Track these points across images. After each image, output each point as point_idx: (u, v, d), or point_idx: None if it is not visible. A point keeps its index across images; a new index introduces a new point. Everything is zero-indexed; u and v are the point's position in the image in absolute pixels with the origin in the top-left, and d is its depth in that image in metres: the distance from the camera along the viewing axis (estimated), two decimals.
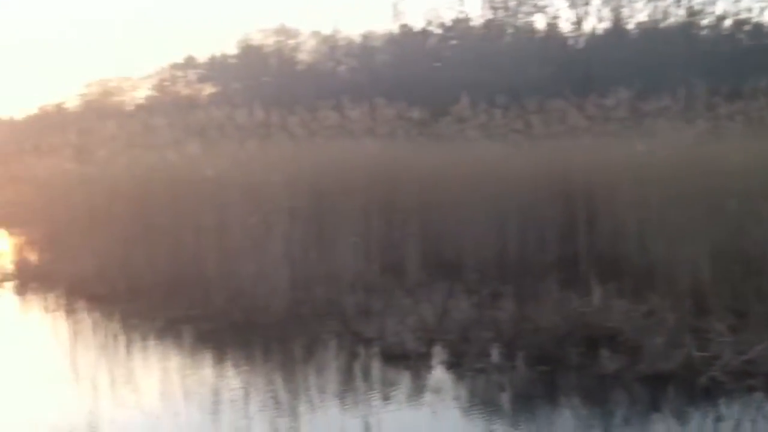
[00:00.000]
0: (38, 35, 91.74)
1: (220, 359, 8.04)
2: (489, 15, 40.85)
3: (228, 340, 8.61)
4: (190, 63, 49.18)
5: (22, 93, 61.04)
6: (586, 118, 13.94)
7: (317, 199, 11.32)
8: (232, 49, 47.85)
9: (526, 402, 6.53)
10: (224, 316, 9.00)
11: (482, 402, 6.50)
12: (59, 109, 48.81)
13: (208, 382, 7.20)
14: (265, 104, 15.74)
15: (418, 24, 42.00)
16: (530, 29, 40.51)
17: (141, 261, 10.28)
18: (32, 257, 13.45)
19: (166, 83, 48.42)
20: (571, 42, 39.26)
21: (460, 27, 41.00)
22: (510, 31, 40.37)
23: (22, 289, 11.81)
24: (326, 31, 45.58)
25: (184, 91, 46.81)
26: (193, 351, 8.44)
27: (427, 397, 6.58)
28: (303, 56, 46.11)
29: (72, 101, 50.43)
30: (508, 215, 11.35)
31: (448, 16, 41.22)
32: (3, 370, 7.92)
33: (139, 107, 45.03)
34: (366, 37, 43.45)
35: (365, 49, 42.39)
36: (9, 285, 12.13)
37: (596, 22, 39.48)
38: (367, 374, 7.33)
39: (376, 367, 7.47)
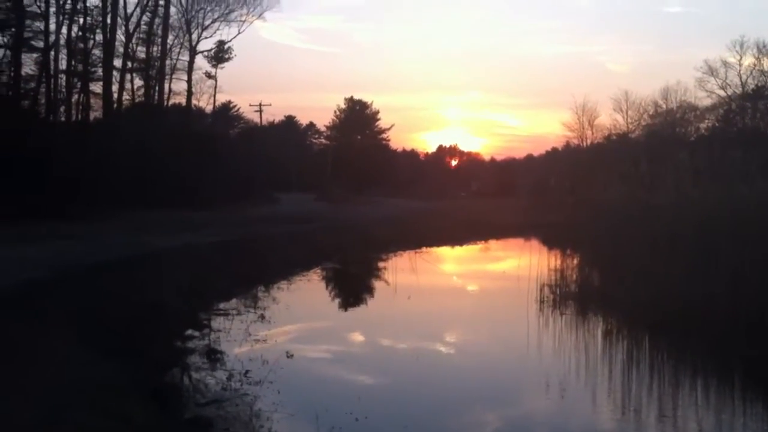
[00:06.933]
0: None
1: None
2: None
3: None
4: (759, 94, 46.48)
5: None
6: None
7: None
8: None
9: None
10: None
11: None
12: (624, 136, 50.72)
13: None
14: None
15: None
16: None
17: (700, 294, 10.01)
18: (594, 278, 13.96)
19: (731, 114, 46.60)
20: None
21: None
22: None
23: (582, 308, 12.51)
24: None
25: (751, 122, 44.49)
26: (746, 391, 8.06)
27: None
28: None
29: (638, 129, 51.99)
30: None
31: None
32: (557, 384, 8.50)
33: (702, 137, 44.19)
34: None
35: None
36: (571, 303, 13.03)
37: None
38: None
39: None
